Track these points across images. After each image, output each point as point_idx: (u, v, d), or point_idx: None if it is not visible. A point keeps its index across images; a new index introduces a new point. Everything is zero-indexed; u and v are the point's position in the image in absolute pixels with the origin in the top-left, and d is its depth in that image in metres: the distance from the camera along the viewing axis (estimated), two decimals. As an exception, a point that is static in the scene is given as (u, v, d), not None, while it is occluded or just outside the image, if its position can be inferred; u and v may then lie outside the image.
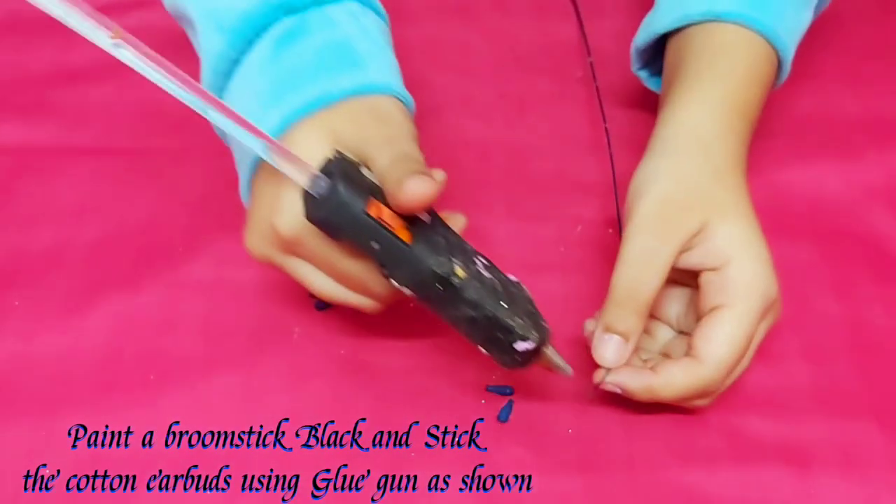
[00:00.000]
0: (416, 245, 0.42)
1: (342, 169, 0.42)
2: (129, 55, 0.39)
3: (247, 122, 0.41)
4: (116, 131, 0.63)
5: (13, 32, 0.69)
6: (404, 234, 0.42)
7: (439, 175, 0.47)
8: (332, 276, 0.46)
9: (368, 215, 0.41)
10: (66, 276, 0.55)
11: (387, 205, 0.42)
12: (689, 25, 0.54)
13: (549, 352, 0.46)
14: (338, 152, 0.44)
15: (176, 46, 0.68)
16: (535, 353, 0.45)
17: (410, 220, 0.43)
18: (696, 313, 0.48)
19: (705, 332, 0.46)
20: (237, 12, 0.48)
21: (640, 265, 0.46)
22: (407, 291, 0.43)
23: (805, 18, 0.56)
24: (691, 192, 0.48)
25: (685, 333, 0.50)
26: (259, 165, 0.47)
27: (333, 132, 0.44)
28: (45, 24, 0.70)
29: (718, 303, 0.46)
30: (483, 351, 0.45)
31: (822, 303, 0.54)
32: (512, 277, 0.46)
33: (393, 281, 0.43)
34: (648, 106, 0.64)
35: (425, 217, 0.44)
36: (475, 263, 0.44)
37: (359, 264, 0.44)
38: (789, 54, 0.55)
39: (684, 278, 0.49)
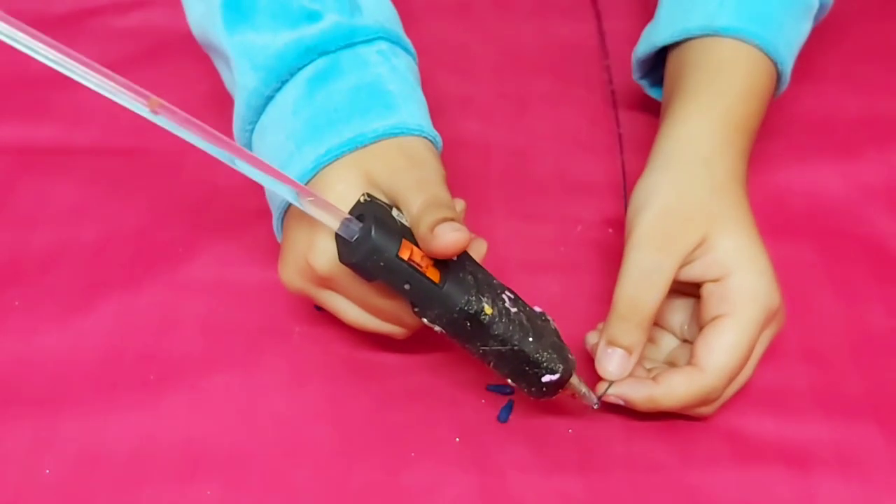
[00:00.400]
0: (445, 284, 0.43)
1: (374, 212, 0.43)
2: (167, 121, 0.41)
3: (275, 170, 0.42)
4: (116, 132, 0.63)
5: (13, 32, 0.69)
6: (434, 274, 0.43)
7: (460, 205, 0.48)
8: (365, 309, 0.47)
9: (400, 258, 0.42)
10: (66, 276, 0.55)
11: (417, 245, 0.43)
12: (688, 39, 0.54)
13: (576, 382, 0.47)
14: (369, 195, 0.45)
15: (175, 46, 0.68)
16: (561, 384, 0.46)
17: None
18: (699, 323, 0.48)
19: (707, 340, 0.46)
20: (272, 51, 0.49)
21: (642, 280, 0.46)
22: (437, 328, 0.44)
23: (804, 30, 0.57)
24: (692, 205, 0.48)
25: (689, 342, 0.50)
26: (291, 211, 0.48)
27: (367, 173, 0.46)
28: (45, 25, 0.70)
29: (720, 312, 0.46)
30: (510, 382, 0.46)
31: (821, 302, 0.54)
32: (537, 309, 0.47)
33: (424, 319, 0.44)
34: (653, 109, 0.64)
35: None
36: (503, 300, 0.45)
37: (391, 301, 0.46)
38: (788, 67, 0.55)
39: (687, 289, 0.49)
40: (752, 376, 0.48)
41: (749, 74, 0.53)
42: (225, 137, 0.42)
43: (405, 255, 0.43)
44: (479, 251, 0.47)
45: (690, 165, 0.49)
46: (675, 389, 0.46)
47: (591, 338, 0.49)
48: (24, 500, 0.46)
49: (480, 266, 0.46)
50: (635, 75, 0.60)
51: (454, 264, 0.44)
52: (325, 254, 0.45)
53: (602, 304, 0.52)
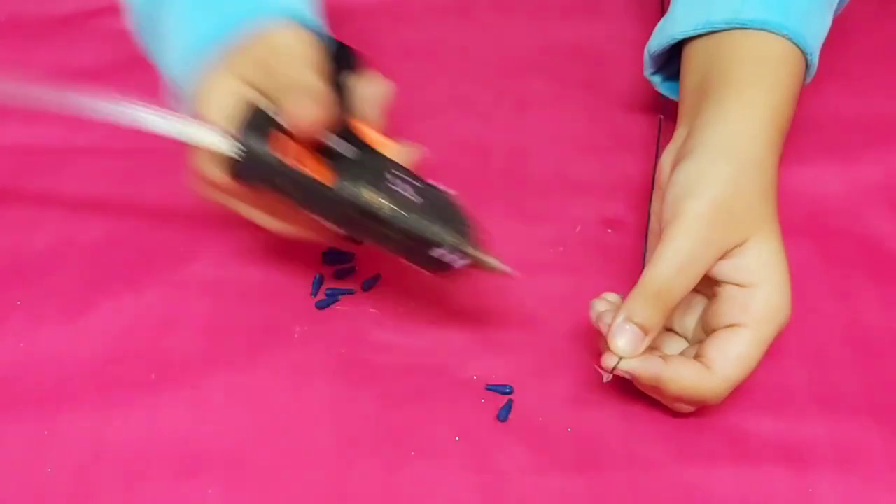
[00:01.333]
0: (333, 183, 0.44)
1: (252, 120, 0.44)
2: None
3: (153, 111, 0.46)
4: (118, 131, 0.62)
5: (14, 34, 0.69)
6: (321, 173, 0.44)
7: (379, 87, 0.48)
8: (278, 217, 0.47)
9: (282, 162, 0.43)
10: (68, 276, 0.55)
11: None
12: (711, 32, 0.53)
13: (476, 254, 0.46)
14: (248, 103, 0.45)
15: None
16: (461, 258, 0.46)
17: (330, 154, 0.45)
18: (706, 322, 0.48)
19: (721, 346, 0.46)
20: None
21: (678, 267, 0.45)
22: (332, 226, 0.45)
23: (827, 23, 0.56)
24: (744, 204, 0.47)
25: (678, 334, 0.50)
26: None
27: (240, 76, 0.46)
28: (46, 26, 0.70)
29: (739, 321, 0.46)
30: (410, 263, 0.46)
31: (820, 302, 0.54)
32: (441, 187, 0.47)
33: (318, 218, 0.45)
34: (648, 108, 0.64)
35: (344, 148, 0.45)
36: (387, 180, 0.45)
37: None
38: (815, 63, 0.54)
39: (701, 285, 0.48)
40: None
41: (791, 72, 0.52)
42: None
43: (285, 156, 0.43)
44: (407, 157, 0.48)
45: (748, 162, 0.48)
46: (682, 378, 0.46)
47: (598, 305, 0.48)
48: (25, 499, 0.46)
49: (373, 152, 0.46)
50: (647, 71, 0.59)
51: (337, 157, 0.45)
52: (215, 166, 0.46)
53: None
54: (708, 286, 0.48)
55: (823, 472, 0.48)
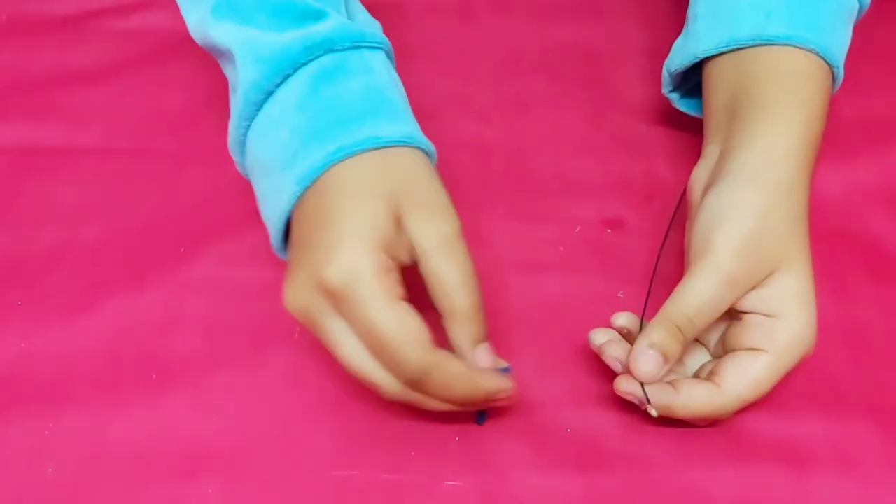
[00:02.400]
0: None
1: None
2: None
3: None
4: (118, 132, 0.63)
5: (15, 34, 0.69)
6: None
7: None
8: (366, 339, 0.44)
9: None
10: (69, 276, 0.55)
11: None
12: (735, 50, 0.52)
13: None
14: None
15: (176, 47, 0.68)
16: None
17: None
18: (727, 342, 0.48)
19: (738, 367, 0.46)
20: (276, 45, 0.48)
21: (703, 306, 0.46)
22: None
23: (849, 35, 0.55)
24: (771, 235, 0.46)
25: (697, 343, 0.50)
26: (298, 217, 0.47)
27: (381, 169, 0.46)
28: (48, 26, 0.70)
29: (760, 346, 0.46)
30: None
31: (818, 302, 0.54)
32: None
33: None
34: (648, 108, 0.64)
35: None
36: None
37: (400, 322, 0.43)
38: (841, 75, 0.53)
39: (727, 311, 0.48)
40: None
41: (819, 86, 0.51)
42: None
43: None
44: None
45: (777, 189, 0.47)
46: (692, 403, 0.46)
47: (597, 337, 0.49)
48: (26, 499, 0.47)
49: None
50: (665, 89, 0.59)
51: None
52: (344, 262, 0.43)
53: (601, 304, 0.53)
54: (733, 311, 0.48)
55: (823, 472, 0.48)
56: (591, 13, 0.71)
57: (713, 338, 0.50)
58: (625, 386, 0.47)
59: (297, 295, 0.45)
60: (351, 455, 0.48)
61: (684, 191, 0.52)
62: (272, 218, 0.49)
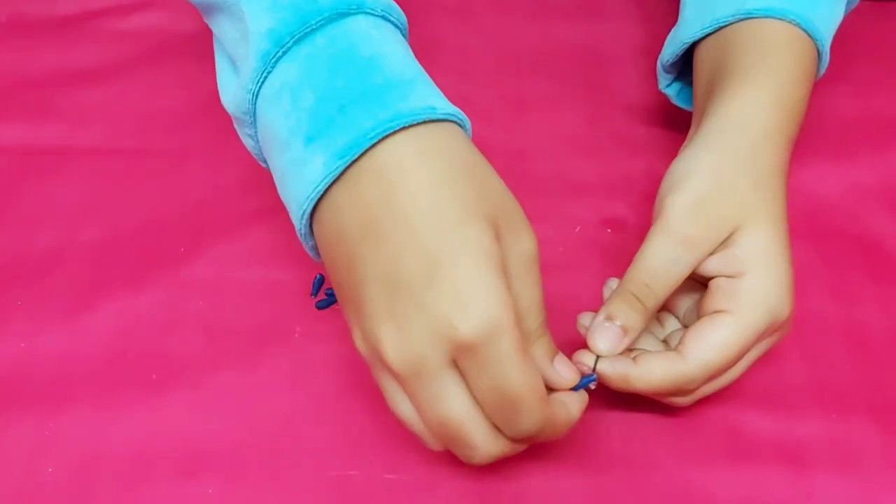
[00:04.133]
0: None
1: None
2: None
3: None
4: (118, 132, 0.63)
5: (15, 34, 0.69)
6: None
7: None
8: (490, 395, 0.39)
9: None
10: (68, 277, 0.55)
11: None
12: (720, 28, 0.52)
13: None
14: None
15: (176, 47, 0.68)
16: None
17: None
18: (698, 313, 0.47)
19: (699, 331, 0.44)
20: None
21: (659, 269, 0.45)
22: None
23: (838, 13, 0.54)
24: (729, 197, 0.45)
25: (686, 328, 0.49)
26: (349, 209, 0.40)
27: (438, 151, 0.40)
28: (48, 26, 0.70)
29: (722, 308, 0.44)
30: None
31: (819, 302, 0.54)
32: None
33: None
34: (648, 108, 0.64)
35: None
36: None
37: (535, 381, 0.39)
38: (827, 47, 0.52)
39: (698, 278, 0.47)
40: (739, 378, 0.47)
41: (798, 55, 0.50)
42: None
43: None
44: None
45: (735, 149, 0.47)
46: (651, 373, 0.44)
47: (583, 319, 0.47)
48: (26, 498, 0.47)
49: None
50: (662, 84, 0.58)
51: None
52: (484, 314, 0.37)
53: (601, 304, 0.53)
54: (704, 279, 0.47)
55: (822, 472, 0.48)
56: (591, 13, 0.71)
57: (682, 307, 0.49)
58: (581, 358, 0.45)
59: (412, 346, 0.38)
60: (351, 455, 0.48)
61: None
62: (296, 196, 0.41)
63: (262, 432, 0.49)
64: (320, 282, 0.55)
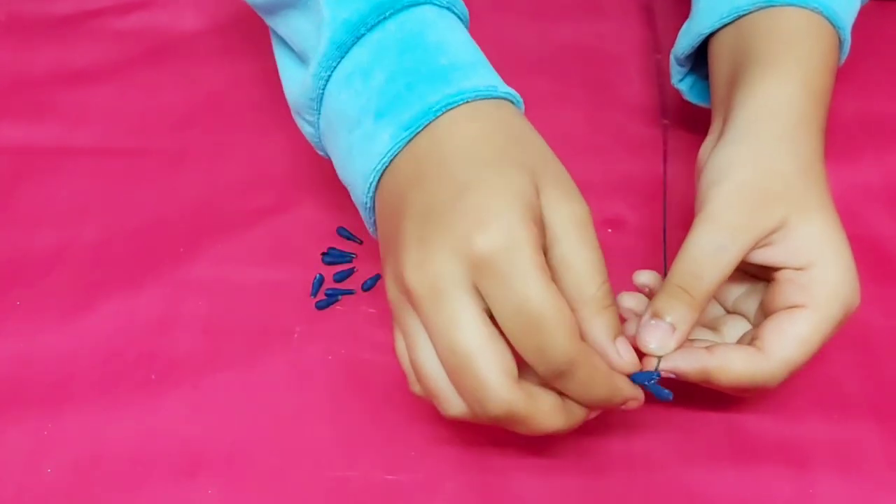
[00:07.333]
0: None
1: None
2: None
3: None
4: (117, 132, 0.63)
5: (15, 34, 0.69)
6: None
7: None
8: (513, 318, 0.38)
9: None
10: (68, 276, 0.55)
11: None
12: (740, 17, 0.51)
13: None
14: None
15: (176, 47, 0.68)
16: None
17: None
18: (765, 306, 0.45)
19: (779, 327, 0.43)
20: None
21: (705, 258, 0.43)
22: None
23: (856, 3, 0.54)
24: (773, 182, 0.44)
25: (737, 314, 0.48)
26: (407, 170, 0.42)
27: (512, 130, 0.43)
28: (47, 26, 0.70)
29: (799, 302, 0.43)
30: None
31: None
32: None
33: None
34: (649, 108, 0.64)
35: None
36: None
37: (558, 302, 0.39)
38: (848, 34, 0.52)
39: (757, 271, 0.46)
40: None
41: (821, 42, 0.49)
42: None
43: None
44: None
45: (773, 137, 0.46)
46: (731, 367, 0.43)
47: (640, 276, 0.46)
48: (25, 498, 0.47)
49: None
50: (675, 78, 0.58)
51: None
52: (502, 231, 0.38)
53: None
54: (766, 273, 0.46)
55: (823, 472, 0.48)
56: (591, 13, 0.71)
57: (752, 307, 0.47)
58: (654, 364, 0.43)
59: (431, 264, 0.39)
60: (351, 455, 0.48)
61: (664, 180, 0.51)
62: (363, 170, 0.44)
63: (262, 432, 0.49)
64: (320, 282, 0.55)
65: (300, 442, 0.49)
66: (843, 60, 0.54)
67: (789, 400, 0.50)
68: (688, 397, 0.50)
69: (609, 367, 0.41)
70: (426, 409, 0.50)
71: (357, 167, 0.45)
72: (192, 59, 0.67)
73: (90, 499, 0.47)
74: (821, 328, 0.43)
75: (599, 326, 0.41)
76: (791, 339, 0.43)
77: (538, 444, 0.49)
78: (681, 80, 0.58)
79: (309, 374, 0.51)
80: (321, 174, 0.60)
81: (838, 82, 0.66)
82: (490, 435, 0.49)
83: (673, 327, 0.43)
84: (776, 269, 0.45)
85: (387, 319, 0.53)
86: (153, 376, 0.51)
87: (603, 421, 0.49)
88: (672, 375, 0.44)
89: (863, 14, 0.70)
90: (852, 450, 0.48)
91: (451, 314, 0.38)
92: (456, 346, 0.38)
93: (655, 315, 0.43)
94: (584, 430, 0.49)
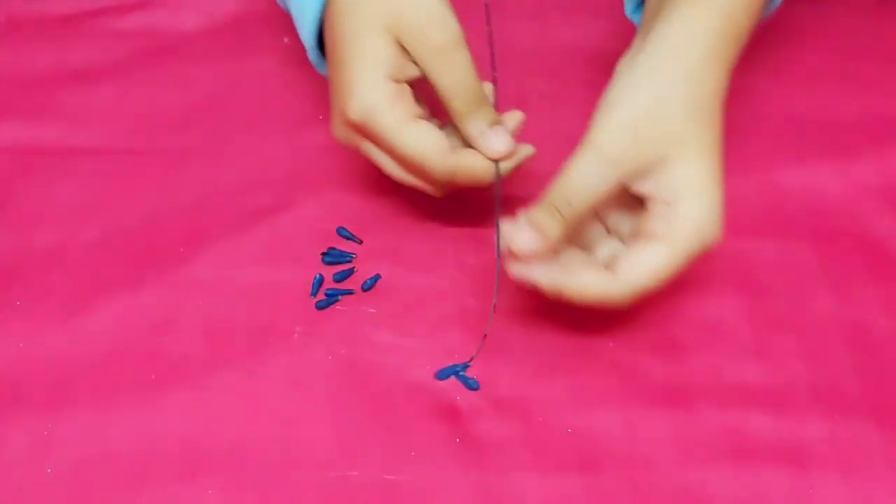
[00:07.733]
0: None
1: None
2: None
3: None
4: (117, 132, 0.63)
5: (15, 34, 0.69)
6: None
7: (487, 87, 0.52)
8: (395, 160, 0.51)
9: None
10: (68, 277, 0.55)
11: None
12: None
13: None
14: None
15: (175, 47, 0.68)
16: None
17: None
18: (636, 231, 0.48)
19: (636, 255, 0.47)
20: None
21: (581, 183, 0.46)
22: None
23: None
24: (661, 118, 0.46)
25: (613, 236, 0.51)
26: (326, 42, 0.52)
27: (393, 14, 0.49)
28: (47, 26, 0.70)
29: (659, 234, 0.46)
30: None
31: (819, 303, 0.54)
32: None
33: None
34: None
35: None
36: None
37: (417, 140, 0.49)
38: None
39: (634, 195, 0.48)
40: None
41: None
42: None
43: None
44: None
45: (671, 74, 0.47)
46: (583, 288, 0.47)
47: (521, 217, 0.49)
48: (25, 499, 0.47)
49: None
50: (628, 9, 0.59)
51: None
52: (358, 100, 0.49)
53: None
54: (642, 198, 0.48)
55: (823, 472, 0.48)
56: (591, 13, 0.71)
57: (627, 230, 0.50)
58: (516, 269, 0.48)
59: (337, 131, 0.52)
60: (351, 455, 0.48)
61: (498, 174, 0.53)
62: (306, 40, 0.55)
63: (262, 432, 0.49)
64: (320, 282, 0.55)
65: (300, 442, 0.49)
66: (769, 13, 0.54)
67: (789, 399, 0.50)
68: (688, 397, 0.50)
69: (484, 156, 0.51)
70: (426, 409, 0.50)
71: (302, 35, 0.55)
72: (191, 59, 0.67)
73: (90, 498, 0.47)
74: (674, 261, 0.46)
75: (473, 125, 0.50)
76: (644, 268, 0.46)
77: (538, 444, 0.49)
78: (633, 12, 0.59)
79: (309, 374, 0.51)
80: (321, 174, 0.60)
81: (838, 82, 0.66)
82: (490, 435, 0.49)
83: (542, 237, 0.47)
84: (648, 199, 0.47)
85: (387, 319, 0.53)
86: (153, 376, 0.51)
87: (603, 421, 0.49)
88: (529, 286, 0.48)
89: (863, 14, 0.70)
90: (852, 449, 0.48)
91: (371, 159, 0.52)
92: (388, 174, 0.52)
93: (530, 222, 0.47)
94: (583, 430, 0.49)
